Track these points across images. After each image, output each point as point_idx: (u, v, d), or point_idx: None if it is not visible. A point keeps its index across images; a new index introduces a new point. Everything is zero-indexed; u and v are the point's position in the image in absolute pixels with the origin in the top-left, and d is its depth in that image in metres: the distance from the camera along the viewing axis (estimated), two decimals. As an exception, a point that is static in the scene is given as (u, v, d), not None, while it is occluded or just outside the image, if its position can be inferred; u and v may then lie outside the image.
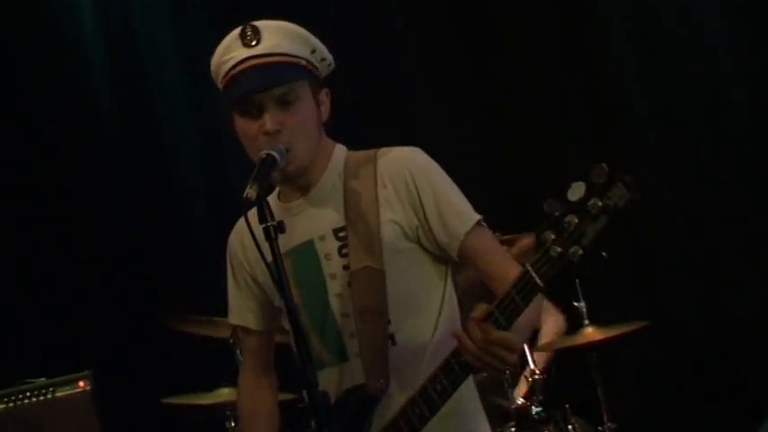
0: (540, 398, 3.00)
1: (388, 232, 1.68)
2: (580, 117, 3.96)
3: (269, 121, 1.62)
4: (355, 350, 1.70)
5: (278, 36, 1.67)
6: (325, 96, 1.73)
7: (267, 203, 1.51)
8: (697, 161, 3.75)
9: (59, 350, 3.78)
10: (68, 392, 3.42)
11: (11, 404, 3.38)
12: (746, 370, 3.67)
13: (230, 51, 1.68)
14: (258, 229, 1.52)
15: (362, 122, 3.43)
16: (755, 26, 3.75)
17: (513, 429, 2.94)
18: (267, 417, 1.91)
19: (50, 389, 3.38)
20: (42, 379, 3.38)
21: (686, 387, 3.71)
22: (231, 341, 3.09)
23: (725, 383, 3.66)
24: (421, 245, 1.70)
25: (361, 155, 1.77)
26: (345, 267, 1.69)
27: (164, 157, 4.30)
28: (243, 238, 1.80)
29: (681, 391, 3.71)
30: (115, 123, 4.28)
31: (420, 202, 1.67)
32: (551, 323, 3.34)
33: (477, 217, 1.68)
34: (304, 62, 1.69)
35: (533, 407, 2.97)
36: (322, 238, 1.72)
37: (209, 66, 1.76)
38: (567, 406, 3.03)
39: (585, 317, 2.95)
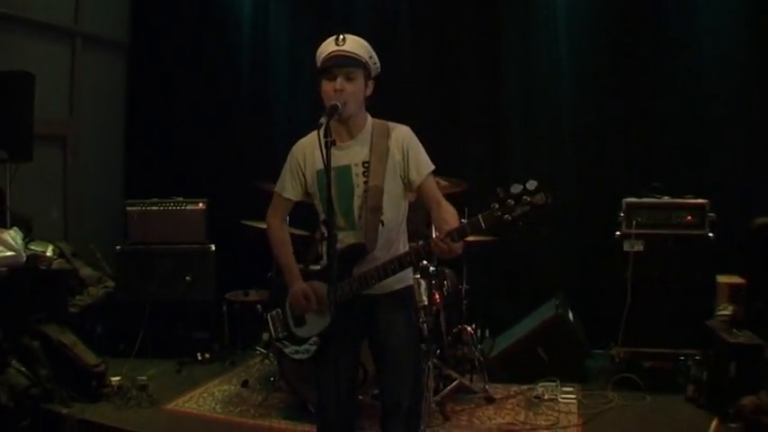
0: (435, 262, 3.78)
1: (390, 170, 2.34)
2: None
3: (339, 83, 2.25)
4: (361, 225, 2.34)
5: (354, 43, 2.33)
6: (370, 84, 2.36)
7: (329, 128, 2.07)
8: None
9: (192, 185, 5.04)
10: (193, 207, 4.87)
11: (162, 207, 4.87)
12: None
13: (327, 47, 2.34)
14: (317, 146, 2.13)
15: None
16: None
17: (417, 276, 3.61)
18: (288, 243, 2.52)
19: (184, 203, 4.87)
20: (181, 198, 4.91)
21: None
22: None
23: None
24: (402, 179, 2.39)
25: (380, 123, 2.39)
26: (365, 183, 2.32)
27: (267, 97, 5.61)
28: (305, 149, 2.41)
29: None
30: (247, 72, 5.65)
31: (407, 156, 2.35)
32: None
33: (432, 167, 2.38)
34: (364, 60, 2.33)
35: (431, 267, 3.76)
36: (356, 165, 2.35)
37: (315, 55, 2.37)
38: (445, 270, 4.03)
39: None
